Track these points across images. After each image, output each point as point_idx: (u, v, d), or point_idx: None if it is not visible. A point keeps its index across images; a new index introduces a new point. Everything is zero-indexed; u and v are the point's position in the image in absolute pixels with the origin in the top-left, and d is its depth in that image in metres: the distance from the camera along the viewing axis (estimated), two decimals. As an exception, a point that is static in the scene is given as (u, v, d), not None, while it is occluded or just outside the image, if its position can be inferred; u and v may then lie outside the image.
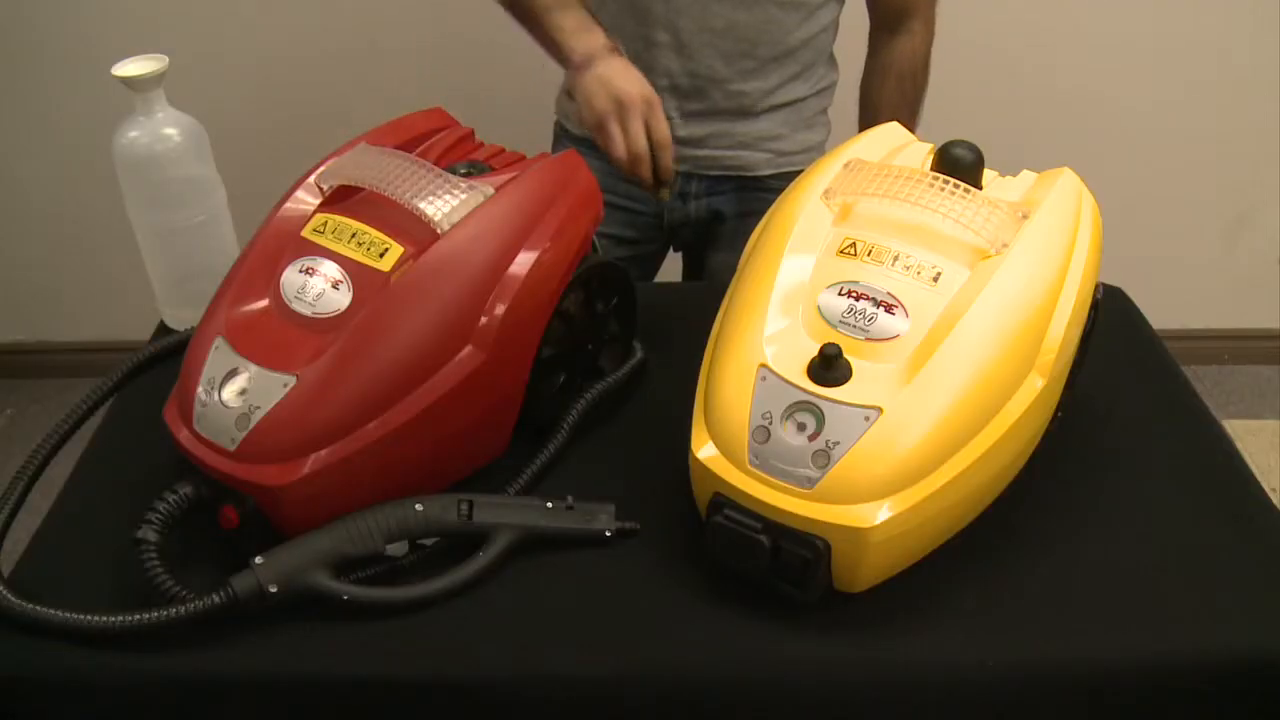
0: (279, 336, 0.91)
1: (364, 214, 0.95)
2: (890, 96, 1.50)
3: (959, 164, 0.96)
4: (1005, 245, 0.89)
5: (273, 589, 0.83)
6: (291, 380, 0.87)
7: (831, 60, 1.55)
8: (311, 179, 1.00)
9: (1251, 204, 2.43)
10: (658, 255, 1.67)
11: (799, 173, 1.51)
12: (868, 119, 1.53)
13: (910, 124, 1.51)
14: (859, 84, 1.56)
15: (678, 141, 1.47)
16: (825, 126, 1.58)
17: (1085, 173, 0.99)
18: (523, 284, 0.93)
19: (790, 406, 0.84)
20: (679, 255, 1.71)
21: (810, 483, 0.82)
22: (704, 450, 0.87)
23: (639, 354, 1.11)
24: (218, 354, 0.90)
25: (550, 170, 1.00)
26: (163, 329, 1.21)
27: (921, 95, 1.53)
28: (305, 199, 0.99)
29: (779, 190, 1.51)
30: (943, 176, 0.93)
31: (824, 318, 0.88)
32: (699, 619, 0.87)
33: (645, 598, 0.89)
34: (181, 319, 1.18)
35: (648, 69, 1.44)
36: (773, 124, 1.50)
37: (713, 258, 1.58)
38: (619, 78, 1.26)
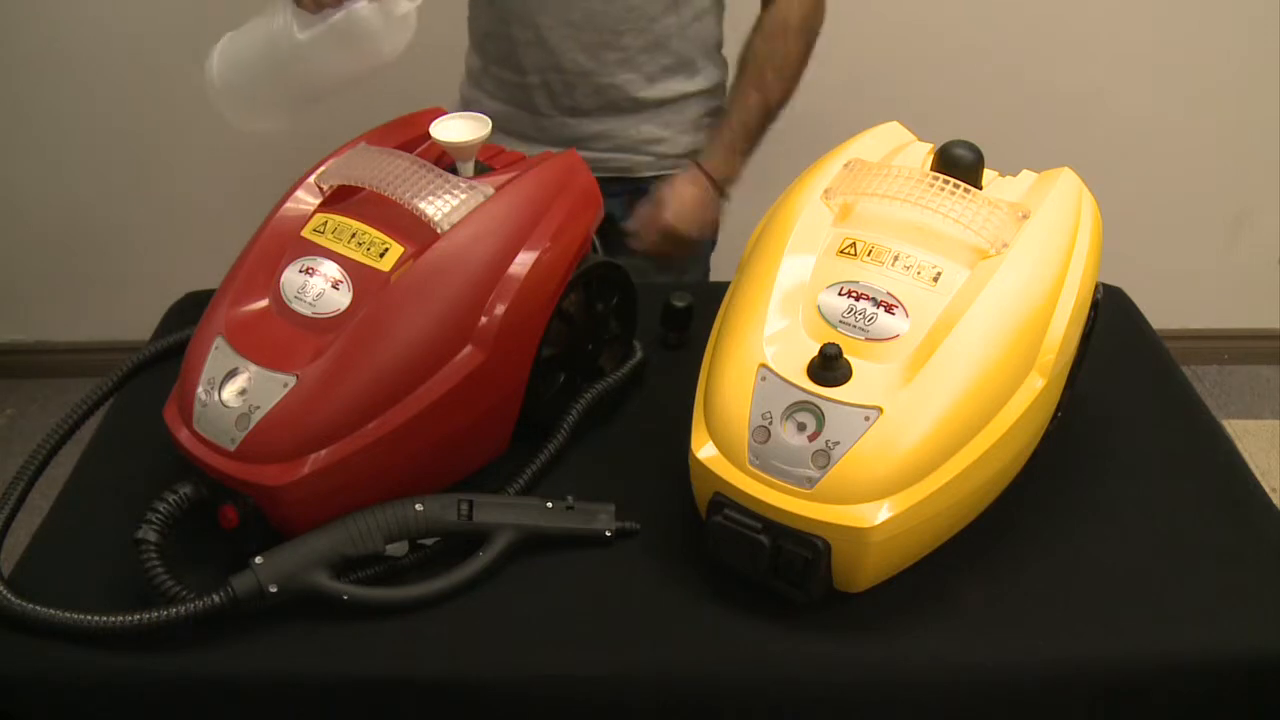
0: (279, 336, 0.91)
1: (364, 214, 0.95)
2: (756, 51, 1.46)
3: (959, 164, 0.96)
4: (1005, 245, 0.89)
5: (273, 589, 0.83)
6: (291, 380, 0.87)
7: (717, 58, 1.53)
8: (311, 179, 1.00)
9: (1251, 204, 2.43)
10: None
11: None
12: (736, 73, 1.49)
13: (775, 85, 1.46)
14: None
15: (557, 142, 1.47)
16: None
17: (1085, 173, 0.99)
18: (523, 284, 0.93)
19: (790, 406, 0.84)
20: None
21: (810, 483, 0.82)
22: (704, 450, 0.87)
23: (639, 354, 1.11)
24: (218, 354, 0.90)
25: (550, 170, 1.01)
26: (163, 329, 1.21)
27: (793, 61, 1.47)
28: (305, 199, 0.99)
29: None
30: (943, 176, 0.93)
31: (824, 318, 0.88)
32: (699, 619, 0.87)
33: (645, 598, 0.89)
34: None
35: (517, 69, 1.43)
36: (654, 126, 1.49)
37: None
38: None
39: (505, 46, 1.44)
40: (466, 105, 1.53)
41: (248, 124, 1.19)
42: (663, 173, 1.52)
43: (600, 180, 1.50)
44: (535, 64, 1.43)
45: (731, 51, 1.54)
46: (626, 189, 1.52)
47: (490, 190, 0.95)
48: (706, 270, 1.64)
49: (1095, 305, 0.99)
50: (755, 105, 1.46)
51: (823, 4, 1.48)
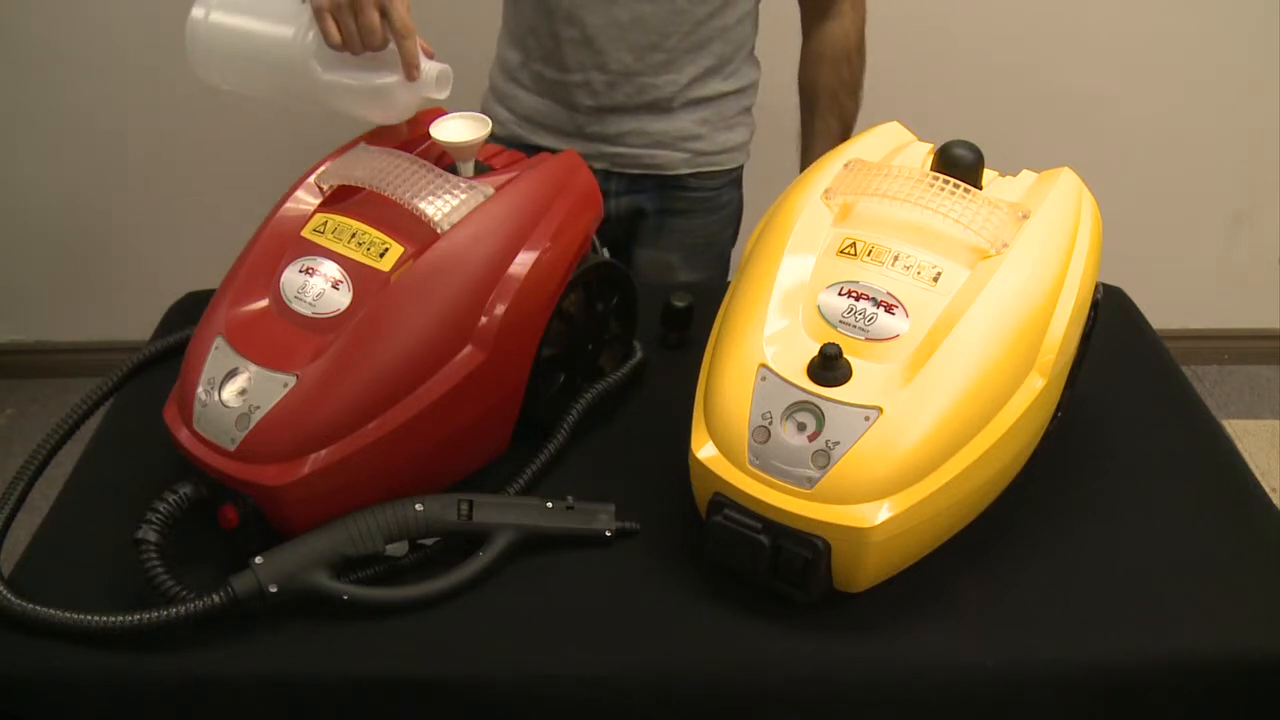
0: (279, 336, 0.91)
1: (364, 214, 0.95)
2: (827, 81, 1.50)
3: (959, 164, 0.96)
4: (1005, 245, 0.89)
5: (273, 589, 0.83)
6: (291, 380, 0.87)
7: (752, 58, 1.54)
8: (311, 179, 1.00)
9: (1251, 204, 2.43)
10: None
11: (720, 173, 1.55)
12: (806, 105, 1.53)
13: (850, 106, 1.51)
14: (791, 81, 1.54)
15: (594, 138, 1.47)
16: (748, 127, 1.57)
17: (1085, 173, 0.99)
18: (523, 284, 0.94)
19: (790, 406, 0.84)
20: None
21: (810, 483, 0.82)
22: (704, 450, 0.87)
23: (639, 354, 1.11)
24: (218, 354, 0.90)
25: (550, 170, 1.01)
26: (163, 329, 1.21)
27: (859, 77, 1.51)
28: (305, 199, 0.99)
29: (700, 190, 1.54)
30: (943, 176, 0.93)
31: (824, 318, 0.88)
32: (699, 619, 0.87)
33: (645, 598, 0.89)
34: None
35: (559, 66, 1.43)
36: (690, 122, 1.49)
37: (638, 254, 1.58)
38: None
39: (549, 44, 1.44)
40: (500, 98, 1.53)
41: (213, 81, 1.11)
42: (698, 170, 1.52)
43: (634, 176, 1.52)
44: (579, 62, 1.43)
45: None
46: (660, 185, 1.53)
47: (490, 190, 0.95)
48: (727, 266, 1.64)
49: (1095, 305, 0.99)
50: (837, 131, 1.50)
51: (863, 7, 1.50)
